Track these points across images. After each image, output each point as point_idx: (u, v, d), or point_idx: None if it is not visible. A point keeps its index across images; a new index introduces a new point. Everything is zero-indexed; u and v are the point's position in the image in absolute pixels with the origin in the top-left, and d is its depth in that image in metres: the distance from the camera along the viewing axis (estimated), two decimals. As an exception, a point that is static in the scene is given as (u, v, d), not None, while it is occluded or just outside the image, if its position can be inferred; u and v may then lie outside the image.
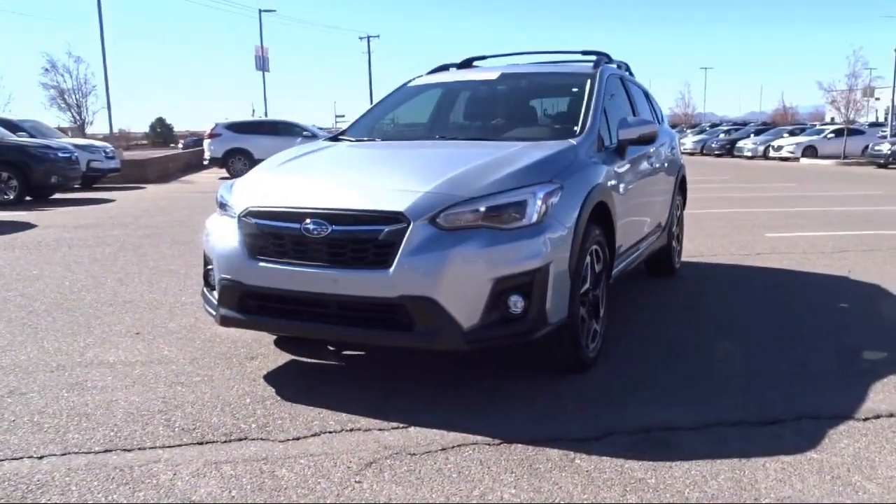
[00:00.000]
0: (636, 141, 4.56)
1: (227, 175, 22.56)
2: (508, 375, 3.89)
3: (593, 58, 5.46)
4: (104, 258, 7.71)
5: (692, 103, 66.96)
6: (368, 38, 62.49)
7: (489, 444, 3.03)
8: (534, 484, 2.70)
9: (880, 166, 26.08)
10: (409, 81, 5.49)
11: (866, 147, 29.20)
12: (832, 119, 61.88)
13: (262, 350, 4.37)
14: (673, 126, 11.97)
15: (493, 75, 5.23)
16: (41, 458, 2.96)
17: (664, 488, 2.66)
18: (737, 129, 42.66)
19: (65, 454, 2.98)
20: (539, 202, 3.42)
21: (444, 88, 5.36)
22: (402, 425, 3.23)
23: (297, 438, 3.11)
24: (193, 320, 5.11)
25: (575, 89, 4.87)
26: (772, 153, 32.90)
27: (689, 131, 47.84)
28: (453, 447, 3.00)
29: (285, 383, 3.82)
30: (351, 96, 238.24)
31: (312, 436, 3.14)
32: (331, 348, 4.42)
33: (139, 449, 3.02)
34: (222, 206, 3.91)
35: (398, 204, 3.32)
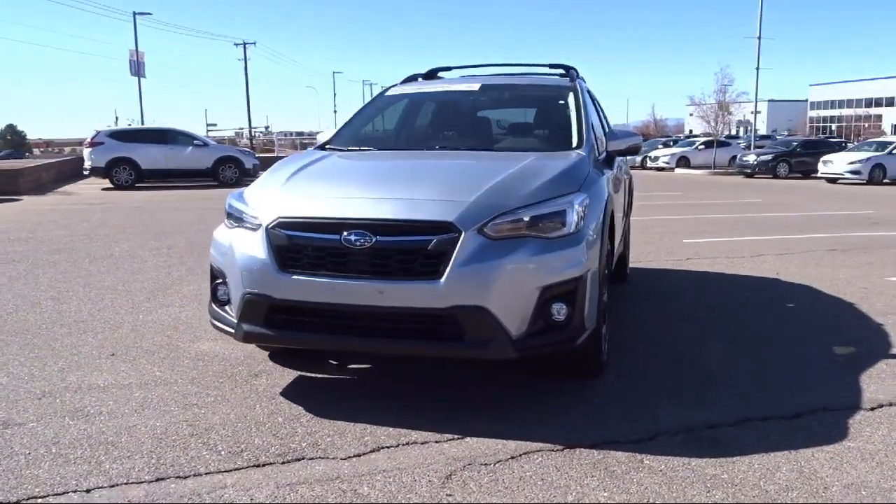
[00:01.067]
0: (623, 152, 4.74)
1: (110, 186, 21.31)
2: (527, 382, 3.94)
3: (560, 71, 5.64)
4: (22, 276, 7.13)
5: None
6: (245, 44, 60.88)
7: (553, 451, 3.06)
8: (619, 486, 2.76)
9: (748, 176, 28.08)
10: (386, 91, 5.44)
11: (733, 158, 31.40)
12: (690, 131, 65.97)
13: (261, 367, 4.20)
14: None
15: (475, 86, 5.25)
16: (88, 491, 2.73)
17: (741, 482, 2.79)
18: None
19: (114, 486, 2.77)
20: (576, 211, 3.50)
21: (425, 99, 5.34)
22: (456, 436, 3.20)
23: (359, 455, 3.02)
24: (166, 339, 4.84)
25: (560, 101, 5.00)
26: (649, 163, 34.68)
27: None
28: (521, 455, 3.02)
29: (307, 399, 3.69)
30: (224, 104, 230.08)
31: (372, 452, 3.06)
32: (333, 362, 4.31)
33: (195, 475, 2.85)
34: (236, 217, 3.73)
35: (447, 214, 3.30)
